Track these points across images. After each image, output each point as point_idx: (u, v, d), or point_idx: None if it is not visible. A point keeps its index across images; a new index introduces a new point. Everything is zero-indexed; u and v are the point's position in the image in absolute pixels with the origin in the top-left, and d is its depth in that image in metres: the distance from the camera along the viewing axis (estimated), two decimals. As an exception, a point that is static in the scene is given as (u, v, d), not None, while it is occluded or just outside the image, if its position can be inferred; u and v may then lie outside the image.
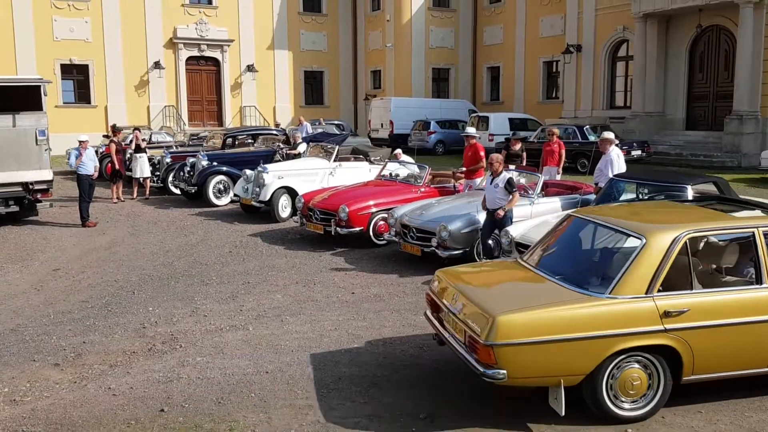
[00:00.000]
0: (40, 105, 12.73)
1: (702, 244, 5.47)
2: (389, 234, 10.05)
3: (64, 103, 27.92)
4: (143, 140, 16.70)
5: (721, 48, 21.87)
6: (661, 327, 4.66)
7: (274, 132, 18.81)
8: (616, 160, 10.19)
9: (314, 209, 10.99)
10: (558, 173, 13.24)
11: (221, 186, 15.01)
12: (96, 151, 15.46)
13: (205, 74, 31.32)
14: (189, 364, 6.10)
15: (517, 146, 13.71)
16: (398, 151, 14.67)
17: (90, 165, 13.30)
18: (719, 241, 5.56)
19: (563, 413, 4.62)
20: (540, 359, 4.57)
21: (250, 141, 17.77)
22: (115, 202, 15.57)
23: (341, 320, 7.25)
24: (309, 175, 13.51)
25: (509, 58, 31.02)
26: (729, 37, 21.41)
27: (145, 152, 16.30)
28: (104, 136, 23.28)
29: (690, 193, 8.07)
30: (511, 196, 8.44)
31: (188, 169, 15.32)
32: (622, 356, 4.67)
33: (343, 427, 4.86)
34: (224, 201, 15.01)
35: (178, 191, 16.09)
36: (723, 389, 5.14)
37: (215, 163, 15.15)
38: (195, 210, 14.44)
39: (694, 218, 5.37)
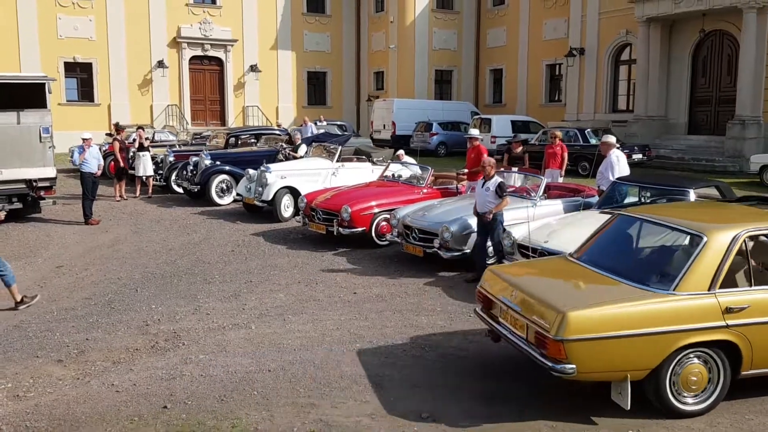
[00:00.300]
0: (45, 102, 12.75)
1: (757, 243, 5.60)
2: (391, 235, 10.08)
3: (67, 101, 27.98)
4: (146, 139, 16.72)
5: (724, 53, 21.90)
6: (723, 323, 4.80)
7: (277, 132, 18.84)
8: (615, 163, 10.26)
9: (317, 209, 11.02)
10: (560, 176, 13.27)
11: (224, 185, 15.05)
12: (99, 149, 15.48)
13: (208, 74, 31.38)
14: (192, 361, 6.13)
15: (519, 149, 13.72)
16: (400, 152, 14.69)
17: (93, 163, 13.34)
18: None
19: (629, 407, 4.75)
20: (608, 354, 4.70)
21: (253, 141, 17.81)
22: (117, 200, 15.60)
23: (343, 320, 7.27)
24: (312, 175, 13.54)
25: (512, 60, 31.05)
26: (732, 42, 21.43)
27: (149, 151, 16.33)
28: (107, 134, 23.34)
29: (692, 196, 8.09)
30: (500, 200, 8.39)
31: (191, 168, 15.36)
32: (685, 351, 4.81)
33: (346, 426, 4.88)
34: (227, 200, 15.04)
35: (180, 190, 16.12)
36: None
37: (218, 163, 15.19)
38: (197, 209, 14.48)
39: (749, 218, 5.55)
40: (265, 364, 6.02)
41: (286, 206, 13.02)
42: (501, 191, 8.39)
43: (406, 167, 12.77)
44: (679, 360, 4.80)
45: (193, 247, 10.95)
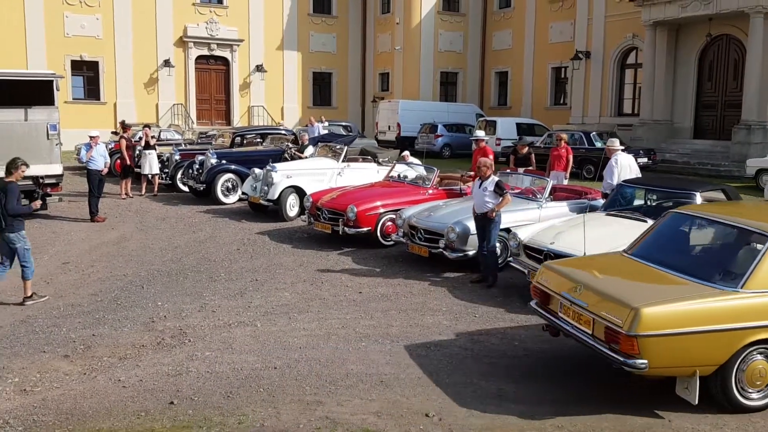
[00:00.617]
0: (52, 100, 12.80)
1: None
2: (397, 235, 10.09)
3: (73, 99, 28.03)
4: (153, 137, 16.76)
5: (731, 57, 21.86)
6: None
7: (283, 132, 18.87)
8: (614, 166, 10.38)
9: (322, 209, 11.04)
10: (565, 178, 13.27)
11: (229, 184, 15.07)
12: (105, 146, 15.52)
13: (214, 73, 31.43)
14: (198, 358, 6.15)
15: (524, 150, 13.75)
16: (406, 152, 14.70)
17: (100, 160, 13.38)
18: None
19: (696, 402, 4.85)
20: (679, 350, 4.81)
21: (258, 140, 17.84)
22: (123, 198, 15.64)
23: (348, 319, 7.29)
24: (317, 174, 13.55)
25: (518, 63, 31.03)
26: (739, 47, 21.40)
27: (155, 149, 16.36)
28: (113, 132, 23.41)
29: (699, 199, 8.08)
30: (501, 199, 8.36)
31: (197, 166, 15.39)
32: (751, 348, 4.91)
33: (352, 423, 4.90)
34: (232, 199, 15.07)
35: (186, 188, 16.16)
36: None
37: (224, 162, 15.22)
38: (203, 207, 14.50)
39: None
40: (271, 362, 6.04)
41: (292, 205, 13.04)
42: (500, 190, 8.36)
43: (412, 168, 12.78)
44: (745, 357, 4.92)
45: (198, 245, 10.98)
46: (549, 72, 29.61)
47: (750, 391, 5.00)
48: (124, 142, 15.79)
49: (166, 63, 29.71)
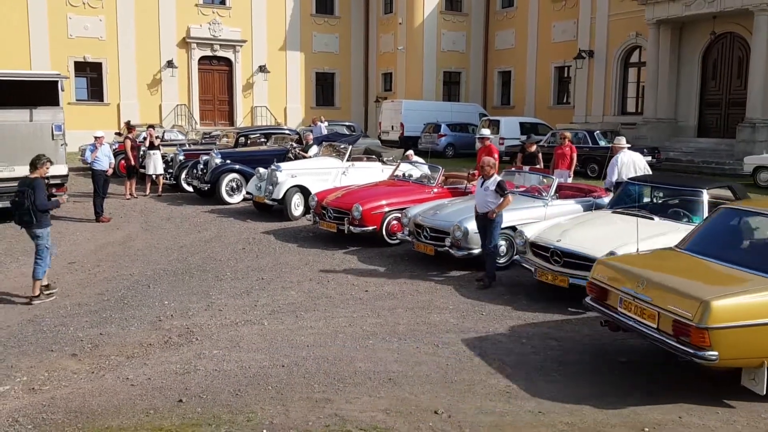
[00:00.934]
0: (57, 100, 12.83)
1: None
2: (402, 233, 10.09)
3: (77, 100, 28.07)
4: (157, 138, 16.79)
5: (735, 55, 21.82)
6: None
7: (287, 131, 18.88)
8: (614, 165, 10.46)
9: (327, 208, 11.04)
10: (569, 176, 13.27)
11: (234, 184, 15.08)
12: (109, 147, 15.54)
13: (217, 74, 31.46)
14: (205, 356, 6.15)
15: (532, 148, 13.77)
16: (410, 152, 14.71)
17: (105, 161, 13.41)
18: None
19: (764, 392, 4.94)
20: (748, 342, 4.89)
21: (262, 140, 17.85)
22: (128, 199, 15.66)
23: (355, 317, 7.28)
24: (322, 174, 13.56)
25: (521, 62, 31.01)
26: (743, 45, 21.36)
27: (159, 149, 16.39)
28: (117, 133, 23.45)
29: (706, 197, 8.06)
30: (502, 199, 8.32)
31: (201, 166, 15.41)
32: None
33: (361, 421, 4.89)
34: (237, 199, 15.08)
35: (190, 188, 16.17)
36: (739, 391, 5.14)
37: (228, 161, 15.24)
38: (208, 207, 14.51)
39: None
40: (279, 360, 6.04)
41: (297, 205, 13.04)
42: (501, 190, 8.33)
43: (416, 167, 12.78)
44: None
45: (204, 245, 10.98)
46: (552, 71, 29.58)
47: None
48: (129, 143, 15.81)
49: (169, 64, 29.74)
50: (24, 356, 6.24)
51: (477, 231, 8.68)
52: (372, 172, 13.75)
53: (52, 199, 8.36)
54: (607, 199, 9.81)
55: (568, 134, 14.08)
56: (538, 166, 13.22)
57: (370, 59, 34.97)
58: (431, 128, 26.89)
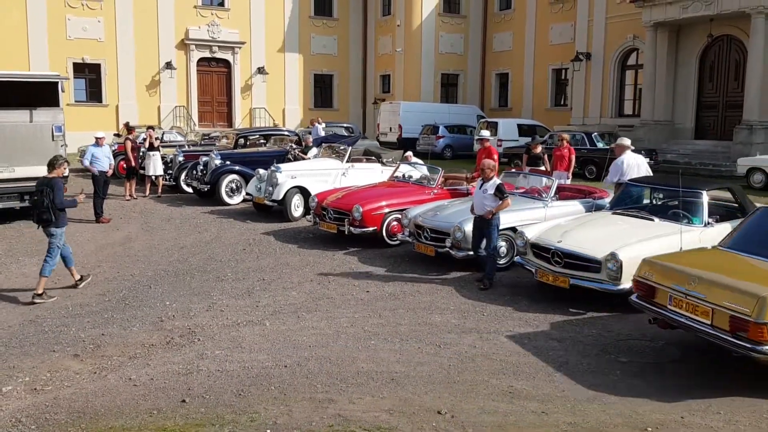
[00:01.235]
0: (57, 101, 12.82)
1: None
2: (402, 234, 10.11)
3: (75, 101, 28.04)
4: (156, 139, 16.79)
5: (732, 58, 21.90)
6: None
7: (286, 132, 18.89)
8: (621, 166, 10.34)
9: (328, 209, 11.05)
10: (567, 178, 13.30)
11: (234, 185, 15.09)
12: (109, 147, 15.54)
13: (215, 75, 31.46)
14: (208, 357, 6.16)
15: (538, 149, 13.85)
16: (409, 153, 14.74)
17: (105, 162, 13.40)
18: None
19: None
20: None
21: (262, 141, 17.86)
22: (128, 200, 15.65)
23: (357, 317, 7.30)
24: (322, 175, 13.58)
25: (518, 64, 31.07)
26: (740, 47, 21.44)
27: (158, 150, 16.38)
28: (115, 134, 23.43)
29: (705, 198, 8.09)
30: (501, 201, 8.33)
31: (201, 167, 15.41)
32: None
33: (364, 421, 4.90)
34: (236, 200, 15.08)
35: (190, 189, 16.17)
36: (742, 389, 5.17)
37: (228, 162, 15.24)
38: (207, 208, 14.51)
39: None
40: (281, 360, 6.05)
41: (297, 206, 13.05)
42: (501, 193, 8.34)
43: (415, 168, 12.80)
44: None
45: (204, 246, 10.99)
46: (549, 73, 29.65)
47: None
48: (129, 144, 15.80)
49: (168, 65, 29.75)
50: (26, 357, 6.24)
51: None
52: (371, 174, 13.77)
53: (70, 198, 8.44)
54: (607, 200, 9.85)
55: (566, 136, 14.11)
56: (543, 168, 13.28)
57: (369, 61, 35.01)
58: (429, 130, 26.94)
